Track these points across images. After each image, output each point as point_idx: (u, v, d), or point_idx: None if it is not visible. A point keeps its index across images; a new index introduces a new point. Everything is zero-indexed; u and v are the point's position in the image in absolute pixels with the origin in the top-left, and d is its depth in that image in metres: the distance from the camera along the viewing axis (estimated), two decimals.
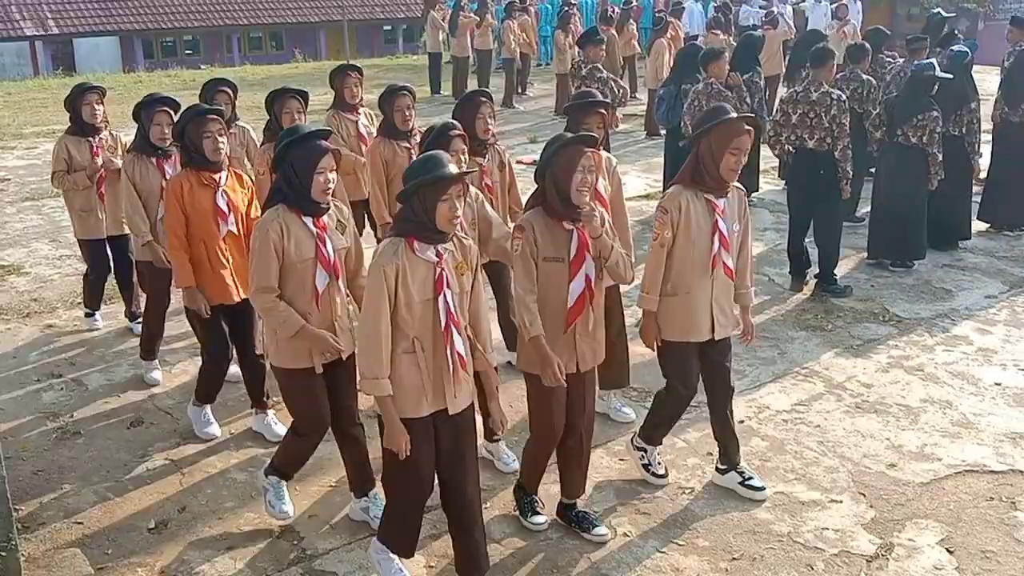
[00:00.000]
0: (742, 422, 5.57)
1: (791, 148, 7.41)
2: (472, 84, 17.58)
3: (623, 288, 5.49)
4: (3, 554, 3.89)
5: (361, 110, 7.15)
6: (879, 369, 6.27)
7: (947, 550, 4.39)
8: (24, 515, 4.68)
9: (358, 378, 3.94)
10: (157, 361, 6.27)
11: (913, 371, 6.24)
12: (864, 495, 4.82)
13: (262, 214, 4.27)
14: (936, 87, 7.74)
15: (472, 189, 4.91)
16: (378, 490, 4.47)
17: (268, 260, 4.12)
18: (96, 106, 6.59)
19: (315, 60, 26.70)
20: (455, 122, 5.01)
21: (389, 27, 36.34)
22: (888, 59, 10.18)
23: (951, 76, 7.82)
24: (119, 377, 6.28)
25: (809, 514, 4.67)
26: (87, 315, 7.14)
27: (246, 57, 31.66)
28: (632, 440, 5.01)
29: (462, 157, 4.82)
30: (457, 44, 17.51)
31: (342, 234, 4.32)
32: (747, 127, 4.40)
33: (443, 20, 18.32)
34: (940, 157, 7.71)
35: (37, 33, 30.40)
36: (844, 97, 7.26)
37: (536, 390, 4.26)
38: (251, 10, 33.64)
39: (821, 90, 7.24)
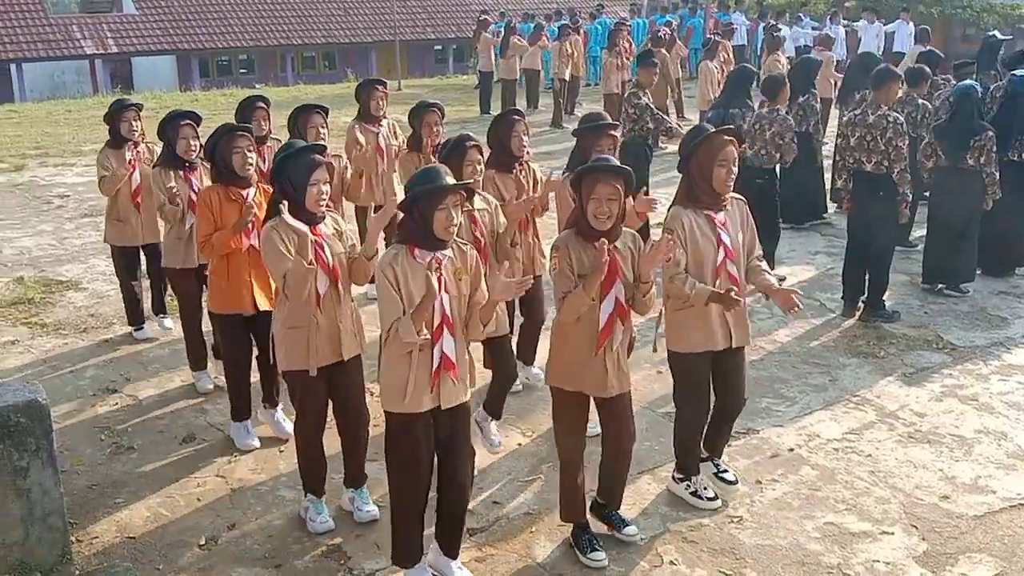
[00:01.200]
0: (792, 450, 5.52)
1: (852, 172, 7.35)
2: (520, 104, 17.70)
3: None
4: (59, 568, 3.96)
5: (384, 122, 7.47)
6: (932, 398, 6.17)
7: None
8: (78, 529, 4.77)
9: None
10: (207, 371, 6.42)
11: (967, 401, 6.12)
12: (916, 527, 4.74)
13: (263, 225, 4.49)
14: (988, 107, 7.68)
15: (491, 198, 5.19)
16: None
17: (281, 254, 4.32)
18: (133, 122, 6.96)
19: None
20: (470, 134, 5.15)
21: (440, 47, 36.67)
22: (943, 82, 10.05)
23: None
24: (172, 393, 6.39)
25: (860, 546, 4.60)
26: (136, 330, 7.31)
27: (299, 76, 32.14)
28: (672, 476, 5.04)
29: (477, 167, 5.05)
30: (505, 65, 17.64)
31: (339, 240, 4.55)
32: (727, 139, 4.52)
33: (496, 42, 18.50)
34: (997, 176, 7.61)
35: (97, 52, 31.12)
36: (901, 120, 7.18)
37: (560, 402, 4.41)
38: (305, 30, 34.15)
39: (879, 112, 7.17)
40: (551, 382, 4.45)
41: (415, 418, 4.00)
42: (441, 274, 3.94)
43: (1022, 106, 8.11)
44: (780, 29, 17.57)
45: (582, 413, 4.41)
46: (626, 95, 9.42)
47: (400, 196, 4.21)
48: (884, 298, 7.52)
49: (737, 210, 4.69)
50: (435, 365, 3.96)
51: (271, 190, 5.24)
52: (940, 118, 8.40)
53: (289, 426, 5.60)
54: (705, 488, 4.94)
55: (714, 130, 4.61)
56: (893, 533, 4.69)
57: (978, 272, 8.38)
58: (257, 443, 5.60)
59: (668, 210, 4.70)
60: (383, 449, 4.15)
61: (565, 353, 4.33)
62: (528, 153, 5.82)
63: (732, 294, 4.45)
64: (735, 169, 4.54)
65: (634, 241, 4.34)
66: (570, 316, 4.21)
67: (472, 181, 4.82)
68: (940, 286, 8.04)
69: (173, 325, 7.30)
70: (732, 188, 4.62)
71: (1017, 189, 8.17)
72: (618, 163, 4.29)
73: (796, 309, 4.64)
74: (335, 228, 4.58)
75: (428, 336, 3.90)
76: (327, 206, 4.52)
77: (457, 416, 4.11)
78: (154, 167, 6.38)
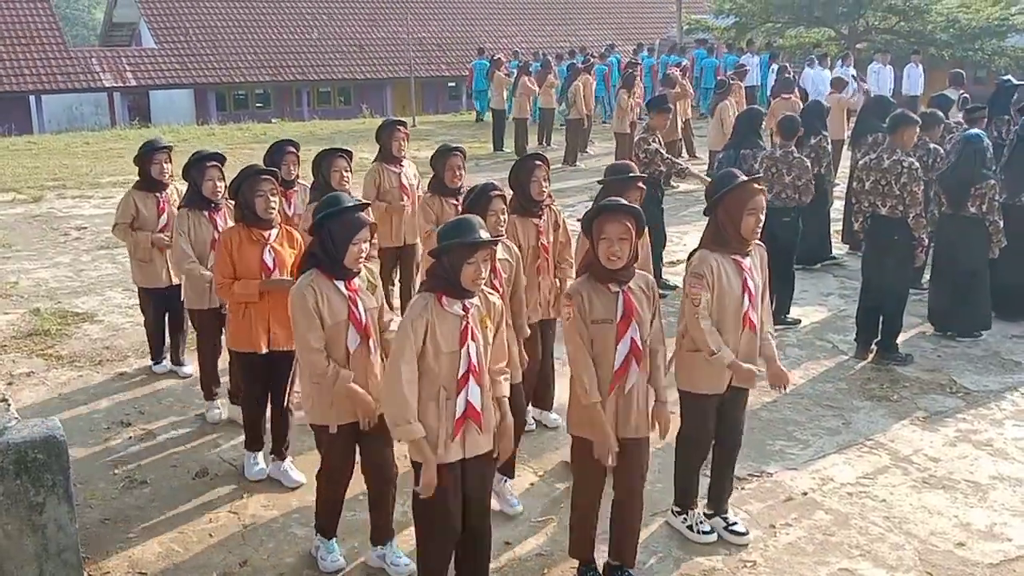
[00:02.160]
0: (805, 494, 5.49)
1: (867, 215, 7.38)
2: (533, 141, 17.84)
3: None
4: None
5: (405, 162, 7.54)
6: (947, 443, 6.14)
7: None
8: (91, 565, 4.78)
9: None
10: (218, 401, 6.48)
11: (982, 446, 6.09)
12: (931, 574, 4.71)
13: (296, 274, 4.50)
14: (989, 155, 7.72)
15: (514, 248, 5.21)
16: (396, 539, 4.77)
17: (312, 322, 4.33)
18: (164, 164, 6.97)
19: (382, 115, 27.24)
20: (495, 183, 5.19)
21: (453, 84, 37.00)
22: (955, 126, 10.08)
23: None
24: (186, 427, 6.41)
25: None
26: (155, 364, 7.34)
27: (315, 111, 32.46)
28: (671, 509, 5.06)
29: (501, 217, 5.03)
30: (517, 106, 17.80)
31: (372, 294, 4.54)
32: (758, 187, 4.57)
33: (509, 81, 18.69)
34: (1001, 224, 7.64)
35: (115, 85, 31.51)
36: (916, 165, 7.21)
37: (580, 453, 4.39)
38: (321, 66, 34.53)
39: (893, 157, 7.21)
40: (573, 431, 4.43)
41: (443, 469, 3.96)
42: (468, 322, 3.94)
43: None
44: (790, 71, 17.68)
45: (600, 465, 4.34)
46: (636, 140, 9.49)
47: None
48: (897, 341, 7.51)
49: (758, 255, 4.75)
50: (459, 413, 3.95)
51: (293, 232, 5.31)
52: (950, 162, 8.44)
53: (297, 475, 5.61)
54: (701, 522, 4.95)
55: (745, 179, 4.62)
56: None
57: (993, 316, 8.37)
58: (265, 474, 5.63)
59: (694, 252, 4.72)
60: (402, 493, 4.13)
61: (579, 399, 4.31)
62: (550, 197, 5.84)
63: (750, 372, 4.58)
64: (763, 217, 4.58)
65: (647, 284, 4.36)
66: (577, 384, 4.25)
67: (498, 234, 4.81)
68: (950, 333, 8.03)
69: (192, 371, 7.30)
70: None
71: None
72: (627, 203, 4.31)
73: (782, 390, 4.83)
74: (369, 281, 4.55)
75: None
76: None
77: (482, 466, 4.09)
78: (180, 207, 6.42)
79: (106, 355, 7.74)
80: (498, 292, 4.77)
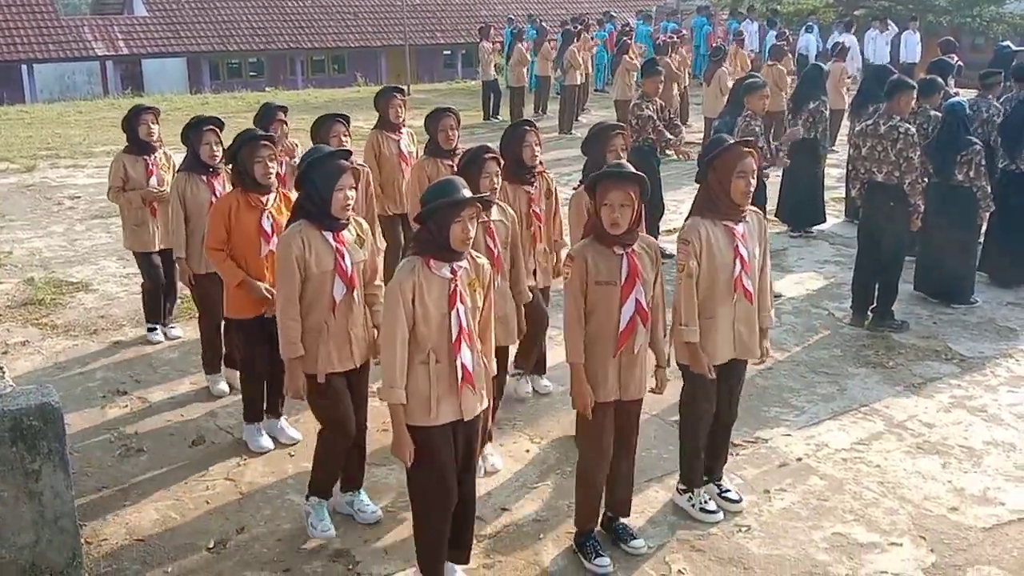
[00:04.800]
0: (800, 459, 5.52)
1: (864, 182, 7.36)
2: (528, 110, 17.73)
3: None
4: (69, 571, 3.98)
5: (404, 130, 7.54)
6: (941, 409, 6.16)
7: None
8: (88, 532, 4.80)
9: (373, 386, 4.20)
10: (222, 374, 6.43)
11: (976, 412, 6.12)
12: (925, 539, 4.74)
13: (286, 229, 4.55)
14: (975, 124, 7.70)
15: (510, 211, 5.18)
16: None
17: (291, 274, 4.44)
18: (151, 126, 6.98)
19: (376, 84, 27.08)
20: (490, 145, 5.16)
21: (448, 52, 36.75)
22: (953, 93, 10.02)
23: None
24: (182, 395, 6.41)
25: (868, 556, 4.60)
26: (149, 330, 7.34)
27: (309, 80, 32.20)
28: (677, 487, 5.04)
29: (495, 179, 5.04)
30: (513, 74, 17.68)
31: (360, 247, 4.58)
32: (746, 150, 4.54)
33: (497, 49, 18.56)
34: (988, 190, 7.63)
35: (107, 53, 31.25)
36: (912, 131, 7.18)
37: (583, 419, 4.40)
38: (315, 34, 34.24)
39: (890, 123, 7.17)
40: (572, 392, 4.43)
41: (435, 430, 3.99)
42: (456, 286, 3.94)
43: None
44: (788, 38, 17.58)
45: (608, 423, 4.38)
46: (631, 105, 9.44)
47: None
48: (893, 308, 7.52)
49: (756, 223, 4.70)
50: (459, 377, 3.95)
51: (290, 196, 5.30)
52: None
53: (293, 431, 5.70)
54: (707, 501, 4.93)
55: (733, 141, 4.61)
56: (902, 544, 4.69)
57: (988, 283, 8.39)
58: (270, 444, 5.62)
59: (685, 220, 4.71)
60: (391, 456, 4.15)
61: (586, 361, 4.31)
62: (541, 163, 5.82)
63: (709, 375, 4.60)
64: (754, 180, 4.55)
65: (650, 246, 4.36)
66: (567, 340, 4.30)
67: (490, 193, 4.82)
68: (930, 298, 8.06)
69: (181, 333, 7.33)
70: (752, 200, 4.63)
71: None
72: (632, 169, 4.30)
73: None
74: (358, 234, 4.60)
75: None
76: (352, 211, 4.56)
77: (474, 427, 4.12)
78: (179, 171, 6.40)
79: (101, 324, 7.72)
80: (493, 254, 4.77)
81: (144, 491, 5.23)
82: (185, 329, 7.38)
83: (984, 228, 8.43)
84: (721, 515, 4.90)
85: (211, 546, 4.70)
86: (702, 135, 14.16)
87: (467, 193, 3.95)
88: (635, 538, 4.63)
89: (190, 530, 4.86)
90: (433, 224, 3.91)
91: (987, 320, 7.70)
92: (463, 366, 3.96)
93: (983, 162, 7.65)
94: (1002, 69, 9.97)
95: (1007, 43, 11.93)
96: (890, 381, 6.57)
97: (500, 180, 5.15)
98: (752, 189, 4.56)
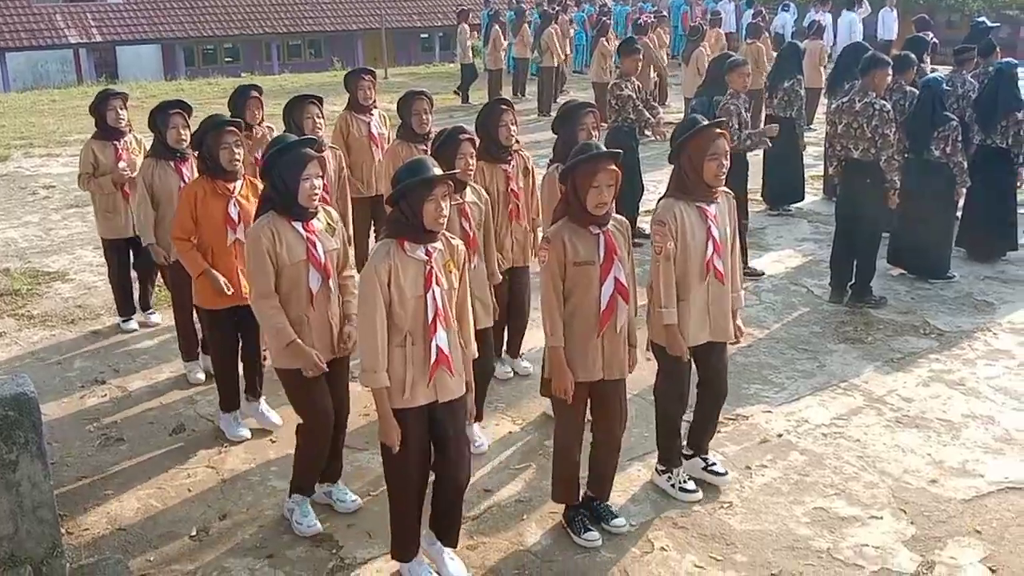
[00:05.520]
0: (780, 435, 5.55)
1: (841, 159, 7.37)
2: (507, 93, 17.66)
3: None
4: (49, 561, 3.95)
5: (374, 111, 7.47)
6: (920, 383, 6.21)
7: (990, 569, 4.34)
8: (68, 522, 4.77)
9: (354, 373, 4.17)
10: (199, 361, 6.39)
11: (954, 385, 6.16)
12: (905, 511, 4.78)
13: (255, 221, 4.47)
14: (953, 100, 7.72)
15: (483, 193, 5.18)
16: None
17: (263, 267, 4.37)
18: (120, 111, 6.93)
19: (353, 68, 26.88)
20: (464, 126, 5.14)
21: (426, 35, 36.53)
22: (930, 71, 10.05)
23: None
24: (162, 383, 6.37)
25: (849, 530, 4.63)
26: (124, 321, 7.29)
27: (285, 65, 31.95)
28: (656, 467, 5.06)
29: (470, 160, 5.01)
30: (490, 57, 17.60)
31: (331, 236, 4.53)
32: (718, 131, 4.53)
33: (475, 32, 18.46)
34: (965, 165, 7.67)
35: (81, 41, 30.86)
36: (888, 107, 7.20)
37: (559, 399, 4.41)
38: (290, 18, 33.94)
39: (865, 100, 7.18)
40: (551, 374, 4.43)
41: (410, 412, 3.99)
42: (432, 267, 3.93)
43: (1005, 91, 8.14)
44: (765, 17, 17.59)
45: (583, 402, 4.42)
46: (610, 85, 9.41)
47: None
48: (871, 284, 7.55)
49: (726, 204, 4.71)
50: (433, 359, 3.95)
51: (257, 183, 5.24)
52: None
53: (275, 416, 5.66)
54: (686, 480, 4.95)
55: (706, 123, 4.60)
56: (882, 517, 4.73)
57: (965, 258, 8.45)
58: (248, 433, 5.60)
59: (659, 201, 4.71)
60: (376, 440, 4.14)
61: (568, 342, 4.31)
62: (517, 142, 5.81)
63: (684, 357, 4.62)
64: (726, 162, 4.54)
65: (621, 223, 4.40)
66: (544, 323, 4.31)
67: (463, 172, 4.81)
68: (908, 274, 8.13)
69: (160, 319, 7.28)
70: (725, 181, 4.63)
71: (1001, 175, 8.23)
72: (608, 149, 4.30)
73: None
74: (327, 223, 4.56)
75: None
76: (321, 199, 4.50)
77: (455, 410, 4.10)
78: (147, 157, 6.35)
79: (78, 314, 7.66)
80: (468, 235, 4.75)
81: (125, 480, 5.20)
82: (165, 316, 7.33)
83: (961, 203, 8.47)
84: (700, 494, 4.92)
85: (193, 534, 4.69)
86: (681, 115, 14.15)
87: (437, 171, 3.93)
88: (616, 516, 4.65)
89: (172, 518, 4.84)
90: (405, 205, 3.89)
91: (965, 295, 7.75)
92: (438, 348, 3.95)
93: (959, 138, 7.69)
94: (976, 45, 10.02)
95: (983, 19, 11.96)
96: (869, 356, 6.61)
97: (475, 161, 5.13)
98: (724, 171, 4.55)
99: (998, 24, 12.86)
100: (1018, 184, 8.47)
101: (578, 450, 4.52)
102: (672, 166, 4.72)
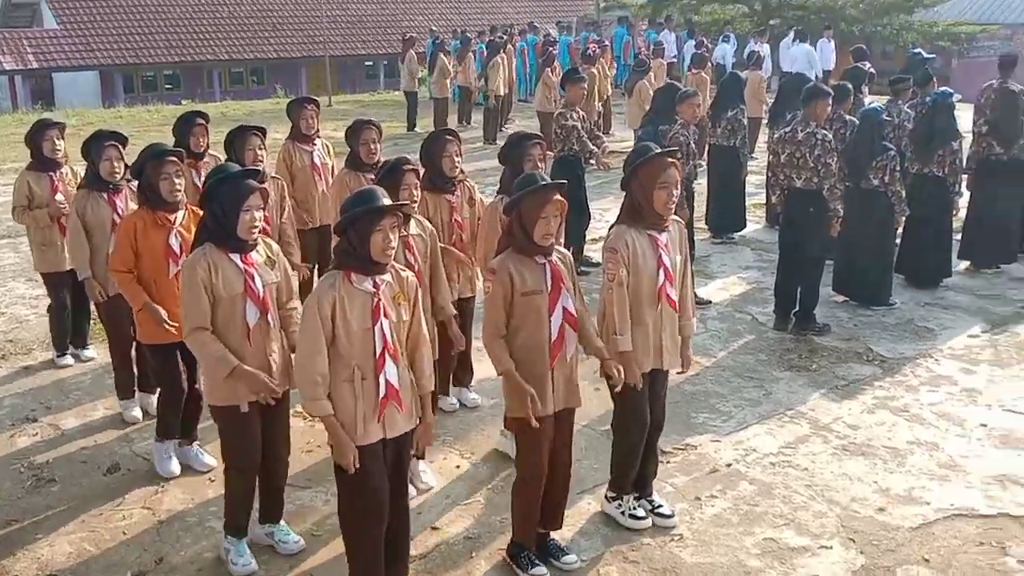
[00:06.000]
0: (729, 465, 5.53)
1: (784, 188, 7.44)
2: (452, 121, 17.64)
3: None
4: None
5: (317, 141, 7.38)
6: (865, 410, 6.25)
7: None
8: None
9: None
10: (136, 399, 6.19)
11: (899, 412, 6.21)
12: (854, 540, 4.77)
13: (191, 251, 4.35)
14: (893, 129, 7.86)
15: (427, 225, 5.11)
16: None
17: (198, 299, 4.23)
18: (56, 141, 6.74)
19: (297, 96, 26.66)
20: (408, 157, 5.10)
21: (370, 63, 36.46)
22: (869, 101, 10.23)
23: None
24: (95, 421, 6.16)
25: (799, 561, 4.61)
26: (57, 355, 7.06)
27: (227, 92, 31.60)
28: (605, 495, 5.00)
29: (414, 192, 4.98)
30: (436, 85, 17.59)
31: (271, 268, 4.42)
32: (670, 160, 4.52)
33: (419, 61, 18.44)
34: (903, 194, 7.80)
35: (16, 67, 30.25)
36: (830, 137, 7.30)
37: (522, 432, 4.32)
38: (232, 46, 33.65)
39: (807, 130, 7.28)
40: (513, 414, 4.34)
41: (364, 451, 3.88)
42: (379, 299, 3.84)
43: (942, 120, 8.31)
44: (708, 47, 17.87)
45: (546, 435, 4.32)
46: (556, 115, 9.43)
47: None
48: (814, 312, 7.62)
49: (677, 231, 4.70)
50: (381, 394, 3.86)
51: (200, 213, 5.09)
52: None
53: (208, 458, 5.49)
54: (635, 508, 4.90)
55: (658, 151, 4.58)
56: (831, 547, 4.71)
57: (905, 284, 8.57)
58: (177, 470, 5.42)
59: (610, 228, 4.68)
60: (318, 478, 4.02)
61: (521, 375, 4.23)
62: (462, 172, 5.76)
63: (639, 384, 4.56)
64: (676, 192, 4.53)
65: (563, 253, 4.38)
66: (490, 354, 4.23)
67: (408, 203, 4.74)
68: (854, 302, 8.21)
69: (95, 355, 7.05)
70: (674, 210, 4.62)
71: (939, 202, 8.37)
72: (552, 180, 4.27)
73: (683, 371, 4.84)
74: (267, 255, 4.44)
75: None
76: (261, 231, 4.39)
77: (402, 446, 4.02)
78: (79, 188, 6.17)
79: (9, 348, 7.40)
80: (414, 268, 4.67)
81: (57, 523, 4.99)
82: (99, 351, 7.11)
83: (900, 231, 8.60)
84: (650, 521, 4.88)
85: None
86: (628, 144, 14.24)
87: (386, 201, 3.86)
88: (567, 553, 4.57)
89: (106, 562, 4.65)
90: (353, 234, 3.81)
91: (906, 321, 7.85)
92: (387, 382, 3.86)
93: (897, 167, 7.81)
94: (912, 75, 10.24)
95: (919, 50, 12.26)
96: (814, 384, 6.65)
97: (419, 192, 5.07)
98: (675, 200, 4.55)
99: (934, 55, 13.18)
100: (954, 212, 8.64)
101: (541, 489, 4.41)
102: (622, 193, 4.71)
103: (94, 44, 31.69)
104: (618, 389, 4.49)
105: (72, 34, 31.70)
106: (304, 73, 34.13)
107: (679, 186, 4.55)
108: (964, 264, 9.19)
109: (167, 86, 33.56)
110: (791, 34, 20.52)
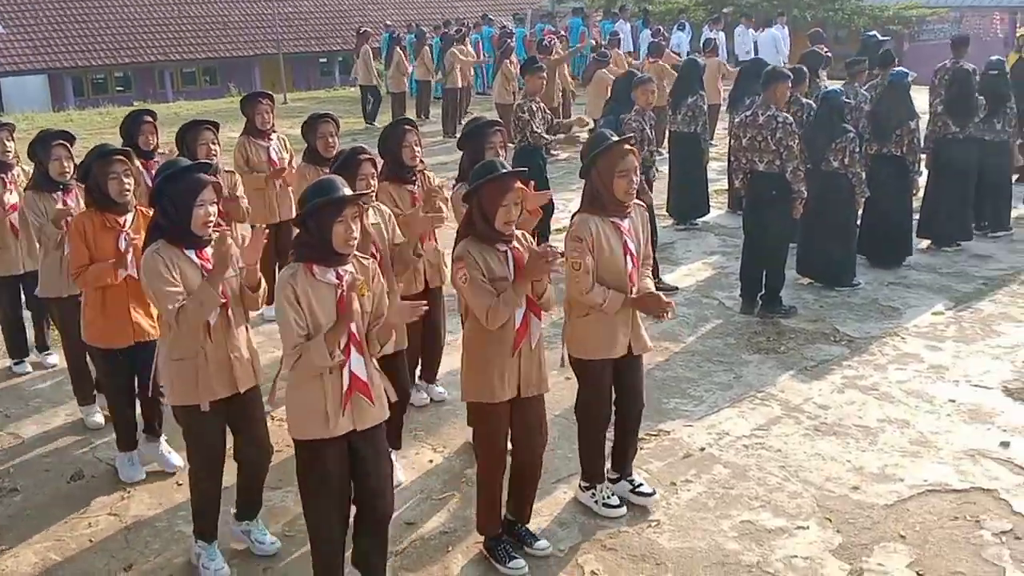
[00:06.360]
0: (703, 449, 5.52)
1: (746, 172, 7.44)
2: (410, 116, 17.48)
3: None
4: None
5: (273, 136, 7.25)
6: (834, 390, 6.27)
7: (917, 573, 4.35)
8: None
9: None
10: (97, 404, 6.04)
11: (868, 391, 6.24)
12: (830, 520, 4.78)
13: (143, 250, 4.19)
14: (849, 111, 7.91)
15: (385, 210, 5.04)
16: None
17: (168, 281, 4.05)
18: (6, 142, 6.59)
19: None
20: (364, 147, 5.03)
21: (325, 59, 36.10)
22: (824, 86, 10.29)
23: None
24: (56, 428, 6.00)
25: (777, 542, 4.61)
26: (15, 363, 6.89)
27: (179, 93, 31.13)
28: (579, 484, 4.97)
29: (371, 181, 4.89)
30: (392, 79, 17.44)
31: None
32: (627, 148, 4.49)
33: (374, 56, 18.26)
34: (863, 176, 7.85)
35: None
36: (791, 120, 7.32)
37: (480, 417, 4.34)
38: (183, 45, 33.11)
39: (768, 113, 7.28)
40: (468, 398, 4.34)
41: (328, 443, 3.81)
42: (343, 291, 3.76)
43: (899, 101, 8.37)
44: (664, 35, 17.89)
45: (503, 424, 4.31)
46: (515, 106, 9.37)
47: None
48: (780, 294, 7.64)
49: (639, 216, 4.67)
50: (345, 386, 3.78)
51: (149, 213, 4.96)
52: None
53: (176, 458, 5.39)
54: (610, 496, 4.87)
55: (615, 140, 4.55)
56: (808, 527, 4.72)
57: (868, 265, 8.62)
58: (143, 475, 5.31)
59: (572, 217, 4.64)
60: (289, 478, 3.94)
61: (482, 363, 4.22)
62: (422, 162, 5.69)
63: (654, 297, 4.49)
64: (636, 178, 4.51)
65: (524, 238, 4.33)
66: (499, 323, 4.11)
67: (368, 192, 4.67)
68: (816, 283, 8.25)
69: (58, 360, 6.87)
70: (636, 195, 4.60)
71: (898, 181, 8.43)
72: (513, 168, 4.23)
73: (668, 316, 4.63)
74: None
75: (341, 358, 3.73)
76: (216, 226, 4.27)
77: (374, 437, 3.94)
78: (27, 189, 6.01)
79: None
80: (375, 258, 4.59)
81: (20, 533, 4.86)
82: (61, 357, 6.92)
83: (860, 212, 8.65)
84: (624, 509, 4.85)
85: None
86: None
87: (347, 191, 3.77)
88: (538, 539, 4.54)
89: (73, 571, 4.54)
90: (314, 225, 3.72)
91: (871, 301, 7.90)
92: (352, 374, 3.78)
93: (856, 149, 7.85)
94: (867, 57, 10.32)
95: (873, 32, 12.34)
96: (783, 366, 6.66)
97: (376, 182, 4.99)
98: (635, 187, 4.52)
99: (888, 37, 13.30)
100: (913, 191, 8.71)
101: (501, 478, 4.40)
102: (582, 182, 4.67)
103: (42, 47, 31.03)
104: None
105: (18, 37, 31.00)
106: (258, 71, 33.70)
107: (638, 172, 4.51)
108: (925, 243, 9.28)
109: (118, 88, 32.97)
110: (742, 22, 20.62)
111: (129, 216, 5.08)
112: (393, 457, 5.12)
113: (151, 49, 32.52)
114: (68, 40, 31.56)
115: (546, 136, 8.97)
